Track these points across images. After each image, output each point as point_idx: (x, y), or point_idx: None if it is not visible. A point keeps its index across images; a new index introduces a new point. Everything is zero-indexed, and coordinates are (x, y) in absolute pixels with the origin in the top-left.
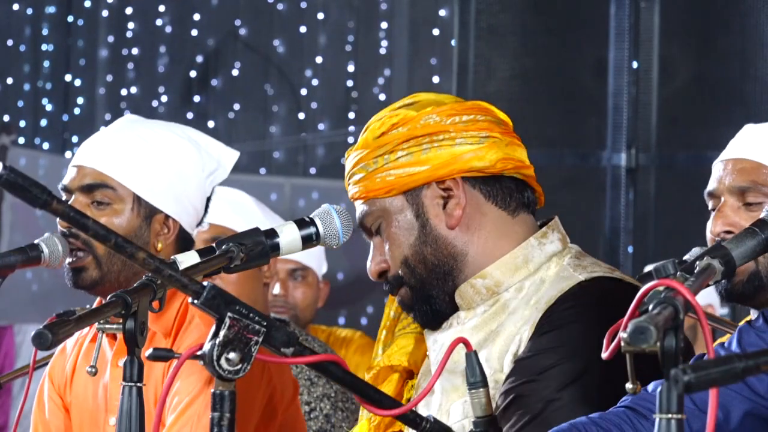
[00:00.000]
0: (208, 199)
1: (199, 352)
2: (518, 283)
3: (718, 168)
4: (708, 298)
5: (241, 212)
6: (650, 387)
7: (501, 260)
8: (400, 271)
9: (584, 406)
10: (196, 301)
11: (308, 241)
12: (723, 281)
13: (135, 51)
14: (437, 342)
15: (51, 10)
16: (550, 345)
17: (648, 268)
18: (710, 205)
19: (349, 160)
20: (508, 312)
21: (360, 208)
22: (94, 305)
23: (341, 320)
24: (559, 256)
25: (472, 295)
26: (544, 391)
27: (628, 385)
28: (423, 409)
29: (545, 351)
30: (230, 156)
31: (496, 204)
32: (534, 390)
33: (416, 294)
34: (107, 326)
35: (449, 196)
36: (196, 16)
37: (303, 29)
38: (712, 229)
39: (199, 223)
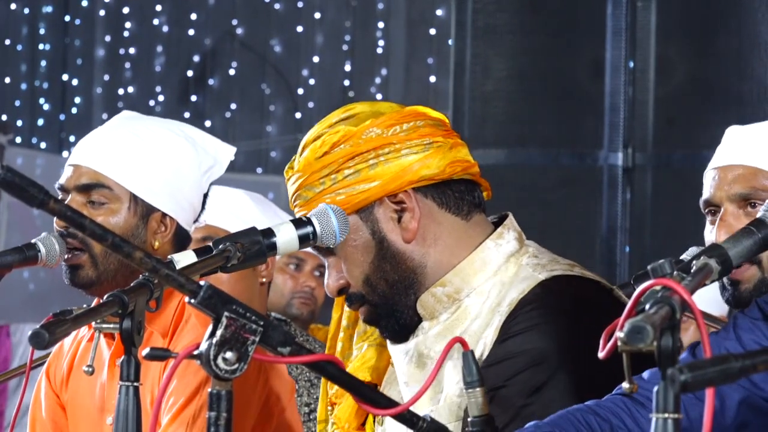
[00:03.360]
0: (205, 196)
1: (195, 352)
2: (478, 287)
3: (711, 176)
4: (722, 309)
5: (236, 211)
6: (645, 375)
7: (459, 266)
8: (362, 290)
9: (556, 408)
10: (192, 301)
11: (305, 241)
12: (729, 289)
13: (132, 50)
14: (401, 351)
15: (48, 9)
16: (516, 349)
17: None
18: (707, 212)
19: (291, 182)
20: (470, 318)
21: None
22: (93, 305)
23: None
24: (517, 256)
25: (433, 304)
26: (516, 397)
27: (625, 385)
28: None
29: (512, 356)
30: (226, 152)
31: (450, 210)
32: (505, 396)
33: (380, 310)
34: (104, 326)
35: (403, 210)
36: (193, 16)
37: (300, 29)
38: (717, 238)
39: (196, 220)
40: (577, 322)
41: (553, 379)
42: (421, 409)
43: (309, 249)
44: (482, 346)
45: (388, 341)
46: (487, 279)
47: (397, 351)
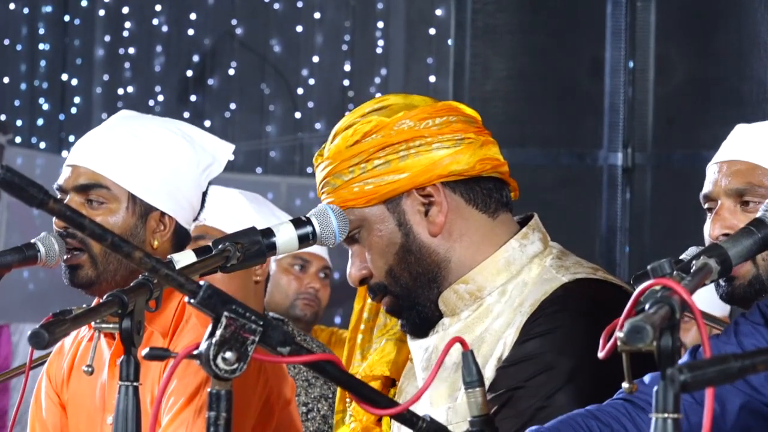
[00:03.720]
0: (204, 194)
1: (195, 352)
2: (501, 286)
3: (712, 170)
4: (723, 310)
5: (230, 210)
6: (647, 379)
7: (482, 264)
8: (384, 281)
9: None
10: (192, 301)
11: (305, 241)
12: (724, 285)
13: (131, 50)
14: (421, 347)
15: (47, 9)
16: (536, 351)
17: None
18: (706, 206)
19: (320, 169)
20: (492, 316)
21: None
22: (92, 305)
23: (337, 320)
24: (541, 257)
25: (455, 301)
26: (533, 399)
27: (624, 385)
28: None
29: (532, 357)
30: (225, 150)
31: (477, 207)
32: (522, 397)
33: (402, 302)
34: (104, 326)
35: (431, 203)
36: (193, 16)
37: (299, 29)
38: (711, 232)
39: (196, 218)
40: (597, 326)
41: (571, 383)
42: (438, 406)
43: (314, 250)
44: (502, 345)
45: (408, 336)
46: (511, 278)
47: (416, 347)
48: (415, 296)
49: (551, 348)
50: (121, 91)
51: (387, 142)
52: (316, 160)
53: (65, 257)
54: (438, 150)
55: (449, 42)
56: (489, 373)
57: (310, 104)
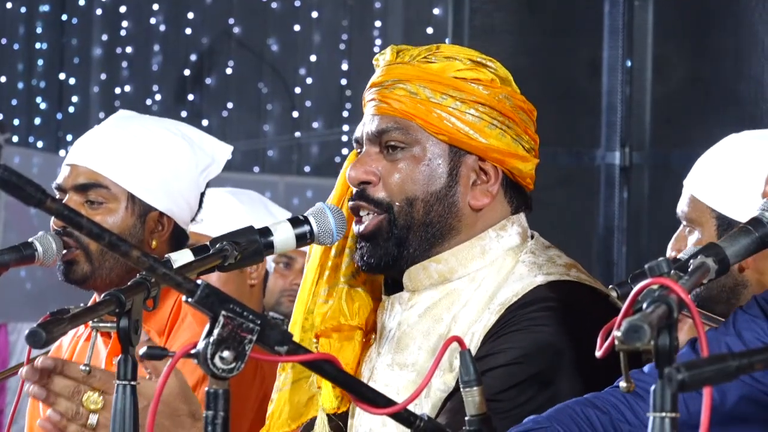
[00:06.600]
0: (202, 195)
1: (193, 351)
2: (473, 273)
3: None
4: None
5: (219, 213)
6: (646, 369)
7: (458, 247)
8: (396, 202)
9: (524, 414)
10: (190, 300)
11: (302, 240)
12: None
13: (129, 49)
14: (384, 328)
15: (45, 8)
16: (501, 347)
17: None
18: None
19: (406, 67)
20: (460, 303)
21: (389, 119)
22: (90, 303)
23: None
24: (516, 251)
25: (421, 278)
26: (486, 390)
27: (622, 384)
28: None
29: (496, 353)
30: (223, 151)
31: (511, 209)
32: (495, 410)
33: (395, 231)
34: (101, 325)
35: (482, 181)
36: (190, 15)
37: (297, 28)
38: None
39: (193, 219)
40: (567, 328)
41: (528, 382)
42: (403, 398)
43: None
44: (469, 339)
45: (380, 308)
46: (483, 267)
47: (380, 326)
48: (412, 237)
49: (516, 346)
50: (118, 90)
51: (489, 102)
52: (407, 50)
53: (63, 252)
54: (517, 143)
55: (447, 41)
56: (456, 364)
57: (308, 103)
